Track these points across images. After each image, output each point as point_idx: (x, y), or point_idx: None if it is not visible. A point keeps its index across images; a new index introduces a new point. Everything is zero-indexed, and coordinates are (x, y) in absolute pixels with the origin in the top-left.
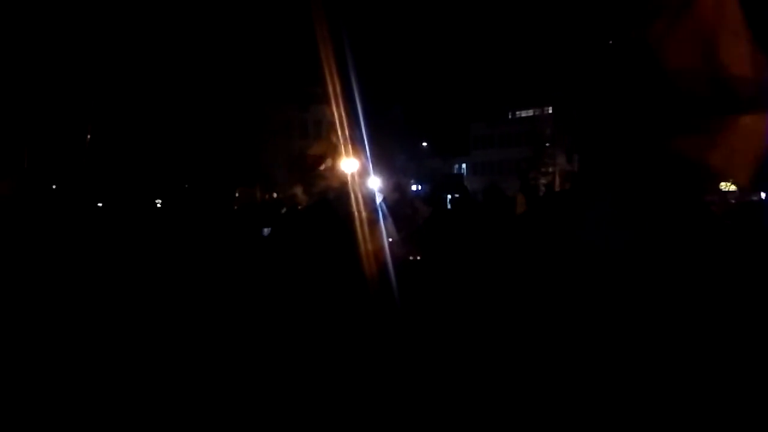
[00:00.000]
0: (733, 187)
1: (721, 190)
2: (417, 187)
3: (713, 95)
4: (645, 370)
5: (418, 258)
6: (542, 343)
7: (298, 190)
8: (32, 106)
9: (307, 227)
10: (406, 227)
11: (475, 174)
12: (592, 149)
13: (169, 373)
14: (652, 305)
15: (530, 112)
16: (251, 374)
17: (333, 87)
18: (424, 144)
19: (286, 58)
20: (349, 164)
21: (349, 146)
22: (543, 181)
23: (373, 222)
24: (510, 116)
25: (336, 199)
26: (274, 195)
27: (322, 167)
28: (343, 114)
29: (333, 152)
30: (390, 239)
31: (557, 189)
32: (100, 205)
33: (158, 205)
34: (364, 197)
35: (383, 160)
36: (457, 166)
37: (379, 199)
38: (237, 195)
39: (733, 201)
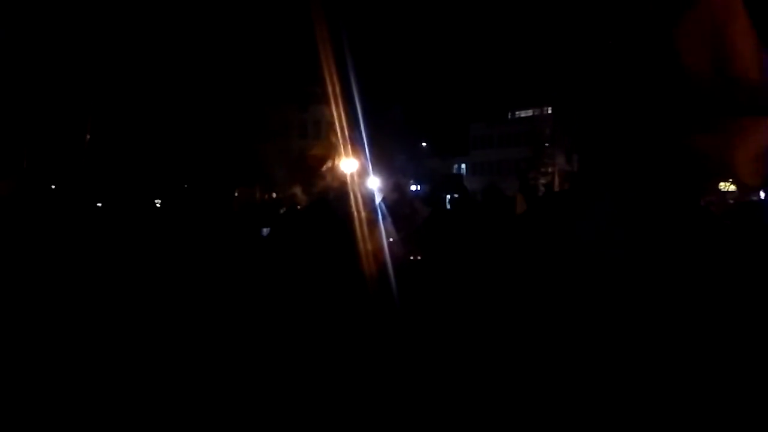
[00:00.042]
0: (732, 187)
1: (720, 190)
2: (416, 187)
3: (717, 94)
4: (645, 369)
5: (419, 258)
6: (542, 343)
7: (298, 190)
8: (31, 107)
9: (306, 227)
10: (406, 227)
11: (474, 174)
12: (592, 149)
13: (168, 372)
14: (652, 305)
15: (529, 113)
16: (250, 374)
17: (332, 87)
18: (424, 144)
19: (285, 58)
20: (348, 164)
21: (349, 146)
22: (542, 181)
23: (372, 222)
24: (509, 116)
25: (335, 199)
26: (273, 195)
27: (324, 168)
28: (343, 114)
29: (334, 153)
30: (390, 239)
31: (556, 189)
32: (99, 205)
33: (157, 206)
34: (363, 197)
35: (382, 160)
36: (456, 166)
37: (378, 199)
38: (236, 195)
39: (731, 201)
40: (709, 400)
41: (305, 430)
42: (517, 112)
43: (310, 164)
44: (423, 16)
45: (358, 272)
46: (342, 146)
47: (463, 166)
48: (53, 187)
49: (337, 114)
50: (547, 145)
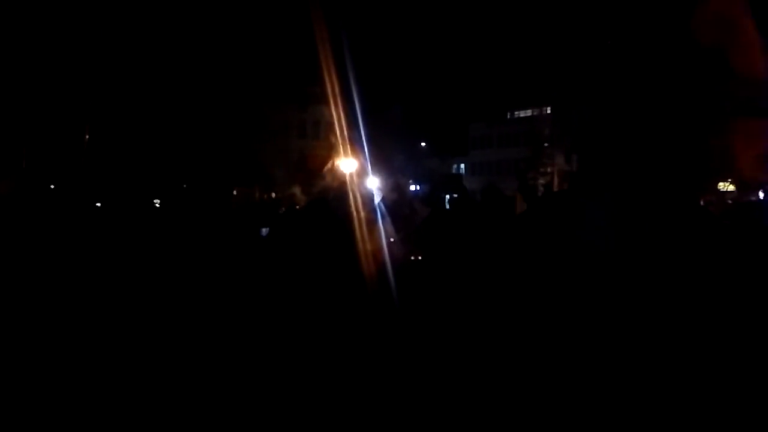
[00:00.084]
0: (731, 187)
1: (719, 190)
2: (416, 187)
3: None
4: (644, 368)
5: (419, 258)
6: (541, 342)
7: (297, 191)
8: (31, 107)
9: (305, 227)
10: (405, 227)
11: (473, 174)
12: (591, 149)
13: (167, 372)
14: (650, 304)
15: (529, 113)
16: (249, 373)
17: (332, 87)
18: (423, 144)
19: (285, 58)
20: (348, 164)
21: (348, 146)
22: (541, 181)
23: (371, 222)
24: (508, 116)
25: (335, 198)
26: (273, 195)
27: (324, 169)
28: (342, 114)
29: (334, 153)
30: (390, 239)
31: (556, 189)
32: (98, 205)
33: (156, 205)
34: (362, 197)
35: (382, 160)
36: (455, 166)
37: (377, 199)
38: (235, 194)
39: (730, 201)
40: (709, 398)
41: (304, 430)
42: (516, 112)
43: (311, 166)
44: (422, 16)
45: (357, 272)
46: (342, 146)
47: (462, 166)
48: (52, 186)
49: (337, 114)
50: (546, 145)
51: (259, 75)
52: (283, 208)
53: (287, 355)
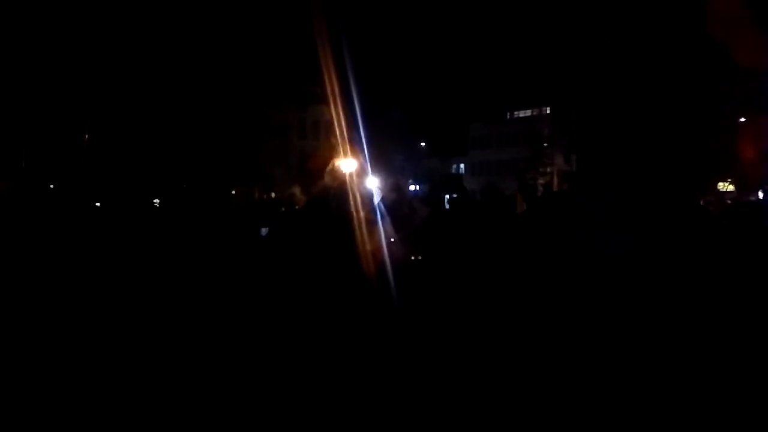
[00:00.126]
0: (731, 187)
1: (718, 190)
2: (415, 187)
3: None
4: (644, 367)
5: (419, 258)
6: (541, 342)
7: (296, 190)
8: (30, 107)
9: (304, 227)
10: (405, 227)
11: (473, 174)
12: (590, 149)
13: (166, 371)
14: (650, 304)
15: (528, 113)
16: (248, 373)
17: (332, 87)
18: (423, 144)
19: (284, 58)
20: (347, 164)
21: (348, 146)
22: (541, 181)
23: (371, 222)
24: (508, 116)
25: (334, 198)
26: (272, 195)
27: (327, 169)
28: (342, 114)
29: (335, 153)
30: (391, 239)
31: (555, 189)
32: (98, 204)
33: (156, 205)
34: (362, 197)
35: (381, 160)
36: (455, 166)
37: (377, 198)
38: (234, 194)
39: (729, 201)
40: (708, 398)
41: (302, 429)
42: (515, 112)
43: (312, 167)
44: (422, 16)
45: (356, 271)
46: (342, 146)
47: (462, 166)
48: (52, 186)
49: (337, 114)
50: (545, 145)
51: (259, 75)
52: (283, 208)
53: (286, 354)
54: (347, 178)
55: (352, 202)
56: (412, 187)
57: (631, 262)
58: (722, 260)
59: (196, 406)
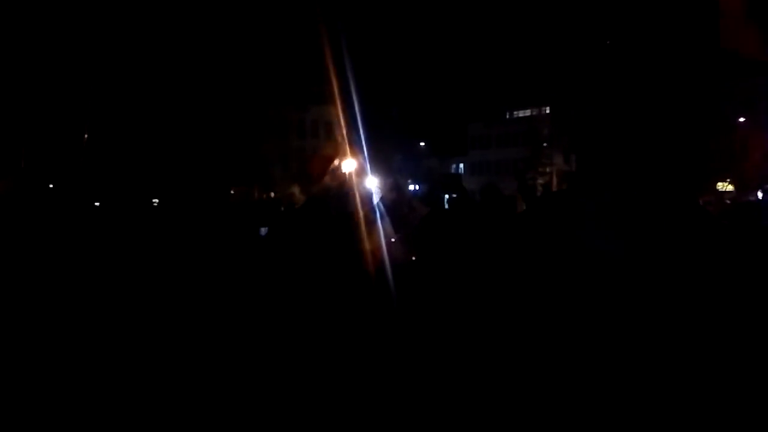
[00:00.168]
0: (730, 187)
1: (717, 190)
2: (415, 187)
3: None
4: (643, 369)
5: (417, 257)
6: (541, 343)
7: (296, 190)
8: (29, 106)
9: (303, 226)
10: (404, 227)
11: (472, 174)
12: (590, 149)
13: (166, 371)
14: (650, 304)
15: (528, 112)
16: (247, 372)
17: (331, 87)
18: (422, 144)
19: (284, 58)
20: (347, 164)
21: (347, 146)
22: (540, 181)
23: (370, 221)
24: (507, 116)
25: (334, 197)
26: (272, 194)
27: (329, 170)
28: (341, 114)
29: (338, 153)
30: (391, 239)
31: (554, 189)
32: (97, 204)
33: (155, 205)
34: (361, 196)
35: (381, 159)
36: (454, 166)
37: (376, 198)
38: (232, 193)
39: (728, 201)
40: (708, 398)
41: (302, 429)
42: (515, 112)
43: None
44: (421, 15)
45: (356, 271)
46: (342, 146)
47: (461, 165)
48: (51, 186)
49: (336, 114)
50: (545, 145)
51: (259, 75)
52: (282, 208)
53: (285, 353)
54: (347, 177)
55: (351, 202)
56: (411, 187)
57: (631, 261)
58: (721, 260)
59: (196, 405)
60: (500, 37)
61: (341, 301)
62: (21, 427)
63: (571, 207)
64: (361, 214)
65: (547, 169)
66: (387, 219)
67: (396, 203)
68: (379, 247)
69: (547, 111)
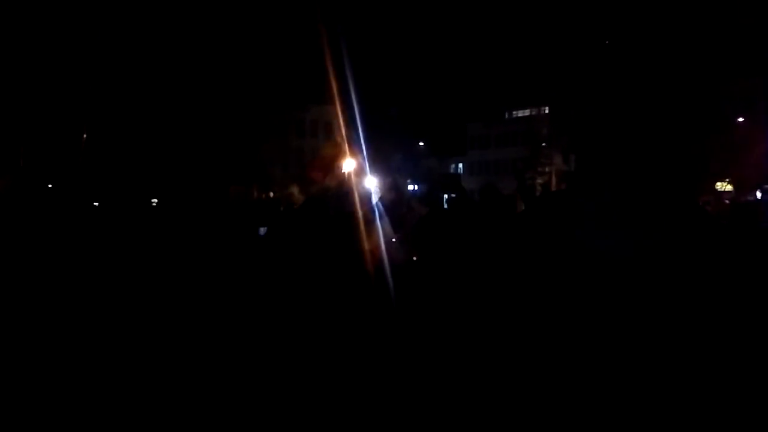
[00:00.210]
0: (729, 187)
1: (716, 190)
2: (414, 187)
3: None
4: (643, 367)
5: (417, 258)
6: (540, 341)
7: (295, 190)
8: (28, 106)
9: (302, 226)
10: (403, 227)
11: (471, 174)
12: (589, 149)
13: (165, 371)
14: (649, 303)
15: (527, 112)
16: (247, 372)
17: (330, 87)
18: (421, 144)
19: (284, 58)
20: (346, 164)
21: (347, 146)
22: (539, 180)
23: (369, 221)
24: (506, 116)
25: (333, 197)
26: (271, 194)
27: (330, 171)
28: (341, 114)
29: (336, 153)
30: (391, 239)
31: (554, 189)
32: (96, 204)
33: (154, 204)
34: (360, 196)
35: (380, 159)
36: (453, 165)
37: (375, 198)
38: (231, 193)
39: (727, 201)
40: (707, 398)
41: (301, 428)
42: (514, 112)
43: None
44: (421, 15)
45: (355, 270)
46: (341, 146)
47: (460, 165)
48: (50, 185)
49: (335, 114)
50: (544, 144)
51: (258, 75)
52: (282, 208)
53: (284, 352)
54: (346, 177)
55: (350, 202)
56: (410, 187)
57: (630, 261)
58: (720, 260)
59: (195, 404)
60: (499, 37)
61: (340, 300)
62: (21, 427)
63: (570, 207)
64: (360, 213)
65: (546, 169)
66: (386, 219)
67: (395, 203)
68: (378, 247)
69: (546, 111)
